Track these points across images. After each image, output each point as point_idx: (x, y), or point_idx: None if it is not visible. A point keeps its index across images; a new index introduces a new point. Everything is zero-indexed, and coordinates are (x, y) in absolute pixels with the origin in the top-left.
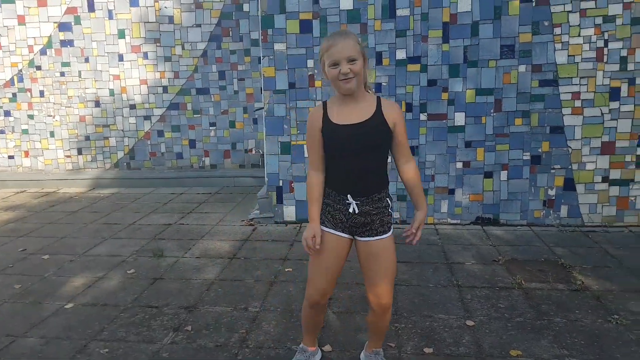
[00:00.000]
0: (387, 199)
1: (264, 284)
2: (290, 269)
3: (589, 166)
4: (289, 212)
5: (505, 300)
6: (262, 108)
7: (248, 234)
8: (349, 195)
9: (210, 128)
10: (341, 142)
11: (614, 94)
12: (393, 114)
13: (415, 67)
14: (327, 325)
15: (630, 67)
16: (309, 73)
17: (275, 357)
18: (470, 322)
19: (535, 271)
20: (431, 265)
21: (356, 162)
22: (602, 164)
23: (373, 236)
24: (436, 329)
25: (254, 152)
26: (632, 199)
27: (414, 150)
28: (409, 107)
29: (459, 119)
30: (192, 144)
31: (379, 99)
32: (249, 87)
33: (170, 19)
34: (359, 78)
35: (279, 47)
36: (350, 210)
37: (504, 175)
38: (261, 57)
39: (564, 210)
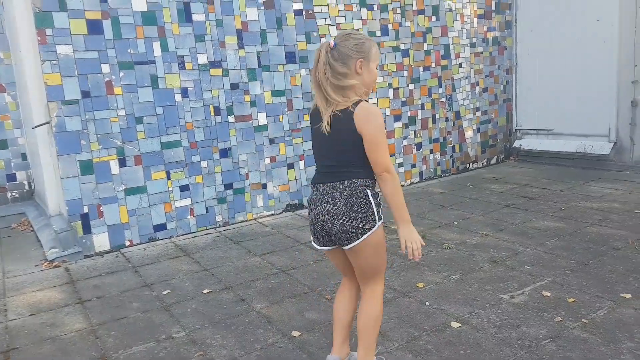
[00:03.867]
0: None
1: (157, 312)
2: (169, 291)
3: None
4: (101, 241)
5: None
6: (47, 123)
7: (65, 276)
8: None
9: None
10: None
11: None
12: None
13: (217, 71)
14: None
15: None
16: (106, 79)
17: None
18: None
19: None
20: (294, 249)
21: None
22: None
23: None
24: None
25: None
26: None
27: (226, 152)
28: (217, 111)
29: (262, 118)
30: None
31: None
32: None
33: None
34: None
35: (63, 49)
36: None
37: (302, 164)
38: (41, 62)
39: None
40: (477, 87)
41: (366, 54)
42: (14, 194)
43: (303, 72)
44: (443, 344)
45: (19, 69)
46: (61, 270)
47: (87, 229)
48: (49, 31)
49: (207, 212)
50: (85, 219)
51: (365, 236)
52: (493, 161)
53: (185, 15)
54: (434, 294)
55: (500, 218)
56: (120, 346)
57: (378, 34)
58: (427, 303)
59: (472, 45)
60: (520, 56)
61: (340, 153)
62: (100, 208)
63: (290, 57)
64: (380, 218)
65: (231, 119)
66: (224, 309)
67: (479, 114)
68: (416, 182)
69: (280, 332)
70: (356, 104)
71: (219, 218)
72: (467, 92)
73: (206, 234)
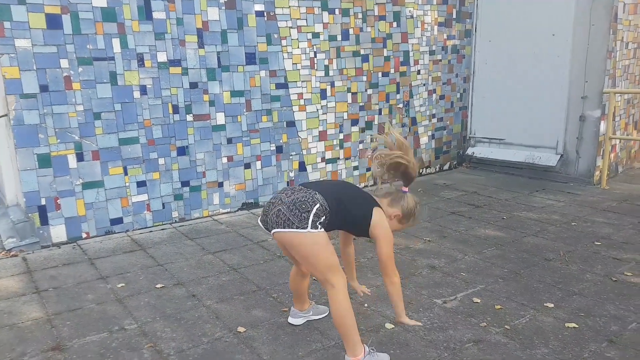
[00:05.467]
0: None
1: (111, 303)
2: (123, 284)
3: (313, 150)
4: (58, 232)
5: None
6: (5, 115)
7: (23, 265)
8: None
9: None
10: None
11: (323, 94)
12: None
13: (177, 69)
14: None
15: (331, 73)
16: (64, 74)
17: (204, 353)
18: None
19: None
20: (247, 248)
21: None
22: (320, 148)
23: None
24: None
25: None
26: (339, 171)
27: (184, 150)
28: (176, 109)
29: (220, 118)
30: None
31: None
32: None
33: None
34: None
35: (21, 43)
36: None
37: (258, 164)
38: None
39: None
40: (434, 94)
41: (405, 219)
42: None
43: (263, 73)
44: (376, 343)
45: None
46: (18, 259)
47: (44, 220)
48: (7, 24)
49: (163, 207)
50: (42, 210)
51: (290, 230)
52: (446, 167)
53: (145, 12)
54: (374, 297)
55: (445, 225)
56: (75, 335)
57: (339, 38)
58: (365, 305)
59: (432, 52)
60: (478, 65)
61: (341, 192)
62: (58, 200)
63: (251, 58)
64: (314, 227)
65: (189, 117)
66: (175, 303)
67: (434, 120)
68: (370, 186)
69: (227, 328)
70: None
71: (175, 214)
72: (424, 99)
73: (162, 229)
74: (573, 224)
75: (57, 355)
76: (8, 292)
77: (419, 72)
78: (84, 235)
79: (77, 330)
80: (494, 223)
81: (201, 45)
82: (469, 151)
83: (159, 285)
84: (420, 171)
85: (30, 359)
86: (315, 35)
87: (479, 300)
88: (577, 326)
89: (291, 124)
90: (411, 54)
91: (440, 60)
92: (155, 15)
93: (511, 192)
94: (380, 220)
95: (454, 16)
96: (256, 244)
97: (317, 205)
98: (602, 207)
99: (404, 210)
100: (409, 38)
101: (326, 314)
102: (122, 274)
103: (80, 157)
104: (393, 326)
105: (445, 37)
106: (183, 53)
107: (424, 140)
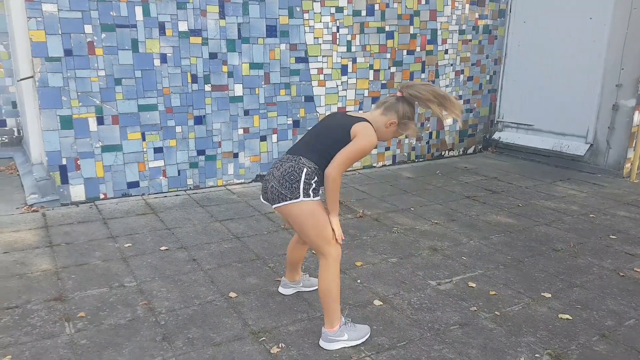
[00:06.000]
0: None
1: (116, 262)
2: (130, 244)
3: None
4: (77, 191)
5: None
6: (31, 77)
7: (41, 220)
8: None
9: None
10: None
11: (344, 70)
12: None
13: (197, 39)
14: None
15: (353, 49)
16: (88, 40)
17: (193, 314)
18: None
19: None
20: (253, 218)
21: None
22: None
23: None
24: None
25: None
26: None
27: (201, 119)
28: (195, 79)
29: (238, 90)
30: None
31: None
32: None
33: None
34: None
35: (48, 8)
36: None
37: (274, 138)
38: (27, 18)
39: None
40: (461, 75)
41: (402, 124)
42: (4, 139)
43: (283, 46)
44: (361, 318)
45: (10, 21)
46: (38, 215)
47: (64, 179)
48: None
49: (178, 174)
50: (63, 170)
51: (285, 202)
52: (470, 151)
53: None
54: (368, 274)
55: (456, 208)
56: (78, 288)
57: (363, 13)
58: (358, 281)
59: (462, 32)
60: (511, 47)
61: (318, 139)
62: (78, 161)
63: (271, 31)
64: (307, 195)
65: (207, 87)
66: (175, 265)
67: (460, 102)
68: (388, 165)
69: (220, 292)
70: (365, 120)
71: (190, 181)
72: (451, 80)
73: (176, 195)
74: (591, 215)
75: (58, 305)
76: (24, 244)
77: (446, 51)
78: (102, 196)
79: (80, 283)
80: (507, 210)
81: (222, 15)
82: (496, 136)
83: (163, 248)
84: (443, 153)
85: (33, 307)
86: (339, 9)
87: (474, 285)
88: (570, 318)
89: (309, 98)
90: (439, 32)
91: (470, 41)
92: None
93: (533, 180)
94: (363, 128)
95: None
96: (263, 215)
97: (305, 170)
98: (626, 201)
99: (399, 115)
100: (438, 16)
101: (316, 287)
102: (131, 235)
103: (100, 121)
104: (382, 303)
105: (477, 16)
106: (204, 23)
107: (448, 122)
